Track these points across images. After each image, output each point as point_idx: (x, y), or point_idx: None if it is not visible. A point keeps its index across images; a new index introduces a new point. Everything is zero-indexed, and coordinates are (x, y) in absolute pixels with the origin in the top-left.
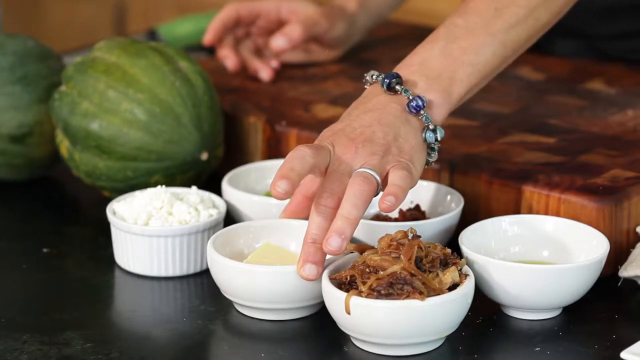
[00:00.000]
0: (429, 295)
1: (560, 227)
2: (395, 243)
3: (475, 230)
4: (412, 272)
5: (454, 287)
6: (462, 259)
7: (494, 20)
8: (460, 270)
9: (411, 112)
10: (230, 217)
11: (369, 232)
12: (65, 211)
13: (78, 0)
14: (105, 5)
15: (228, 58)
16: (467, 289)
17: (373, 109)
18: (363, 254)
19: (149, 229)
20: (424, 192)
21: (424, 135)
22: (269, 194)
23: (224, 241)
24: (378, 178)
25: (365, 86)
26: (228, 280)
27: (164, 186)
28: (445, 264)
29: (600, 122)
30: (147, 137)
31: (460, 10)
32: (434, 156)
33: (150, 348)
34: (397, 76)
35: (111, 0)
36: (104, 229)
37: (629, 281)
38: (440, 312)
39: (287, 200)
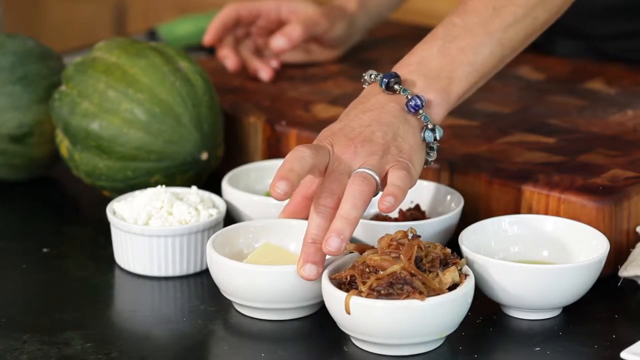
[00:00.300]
0: (429, 295)
1: (560, 227)
2: (395, 243)
3: (475, 230)
4: (412, 272)
5: (454, 287)
6: (462, 259)
7: (492, 19)
8: (460, 270)
9: (410, 111)
10: (230, 217)
11: (369, 232)
12: (65, 211)
13: (78, 0)
14: (105, 5)
15: (228, 58)
16: (467, 289)
17: (372, 109)
18: (363, 253)
19: (149, 229)
20: (424, 192)
21: (422, 134)
22: (268, 194)
23: (224, 241)
24: (377, 178)
25: (364, 86)
26: (228, 280)
27: (164, 186)
28: (445, 264)
29: (600, 122)
30: (147, 137)
31: (459, 10)
32: (433, 155)
33: (150, 348)
34: (396, 76)
35: (111, 0)
36: (104, 229)
37: (629, 281)
38: (440, 312)
39: (287, 200)
